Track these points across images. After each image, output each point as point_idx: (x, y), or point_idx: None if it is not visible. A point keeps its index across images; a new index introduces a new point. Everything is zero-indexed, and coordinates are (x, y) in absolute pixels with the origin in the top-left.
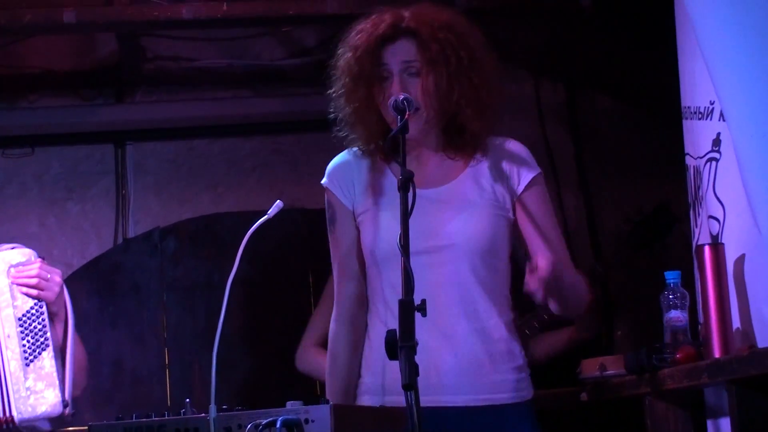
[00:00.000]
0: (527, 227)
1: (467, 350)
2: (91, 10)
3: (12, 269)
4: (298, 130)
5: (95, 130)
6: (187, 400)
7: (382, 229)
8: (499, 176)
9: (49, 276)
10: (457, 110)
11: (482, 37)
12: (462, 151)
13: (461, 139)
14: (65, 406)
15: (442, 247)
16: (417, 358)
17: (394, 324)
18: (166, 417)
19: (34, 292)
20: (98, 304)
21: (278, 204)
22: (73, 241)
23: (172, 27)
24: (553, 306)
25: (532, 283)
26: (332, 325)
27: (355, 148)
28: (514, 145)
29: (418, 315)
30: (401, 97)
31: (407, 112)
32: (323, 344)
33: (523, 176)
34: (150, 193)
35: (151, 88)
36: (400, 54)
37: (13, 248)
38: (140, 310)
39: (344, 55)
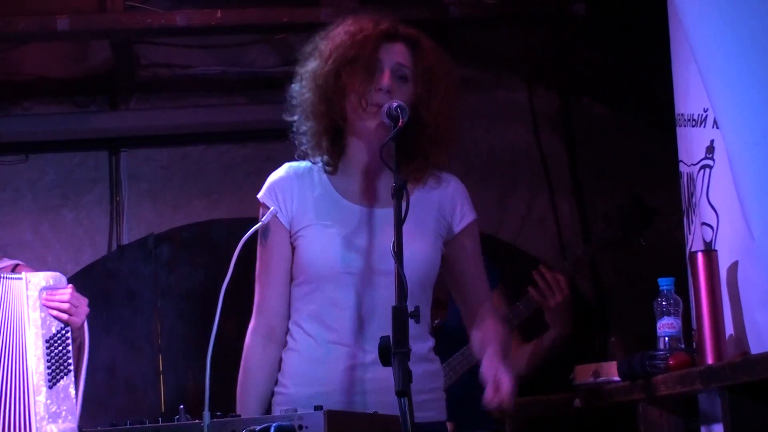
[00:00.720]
0: (460, 266)
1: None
2: (85, 18)
3: (44, 292)
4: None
5: (89, 137)
6: (181, 406)
7: (327, 245)
8: (443, 210)
9: (78, 303)
10: (431, 125)
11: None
12: (414, 173)
13: (415, 160)
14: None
15: (389, 272)
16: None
17: (330, 337)
18: (160, 423)
19: (64, 316)
20: (92, 311)
21: (272, 211)
22: (68, 248)
23: (165, 34)
24: None
25: (492, 402)
26: (249, 338)
27: (296, 163)
28: (459, 185)
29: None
30: (395, 104)
31: (401, 120)
32: None
33: (465, 217)
34: (144, 199)
35: (145, 95)
36: (396, 55)
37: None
38: (134, 316)
39: (333, 39)
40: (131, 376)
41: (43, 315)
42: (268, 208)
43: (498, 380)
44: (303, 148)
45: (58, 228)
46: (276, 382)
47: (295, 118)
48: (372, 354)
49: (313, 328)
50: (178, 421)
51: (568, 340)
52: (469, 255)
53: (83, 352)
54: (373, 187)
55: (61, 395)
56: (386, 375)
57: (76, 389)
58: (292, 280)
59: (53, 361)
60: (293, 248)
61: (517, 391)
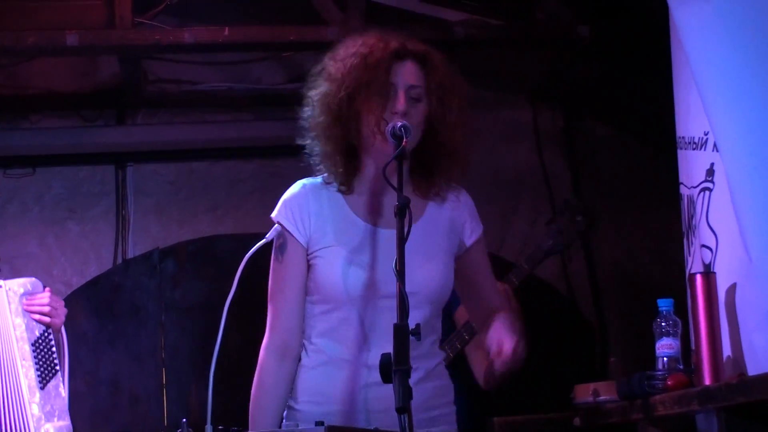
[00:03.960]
0: (472, 279)
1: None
2: (94, 34)
3: (24, 298)
4: (297, 154)
5: (96, 151)
6: (184, 420)
7: (347, 268)
8: (453, 226)
9: (57, 306)
10: (447, 140)
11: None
12: (428, 190)
13: (430, 177)
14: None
15: (408, 294)
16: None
17: (342, 355)
18: None
19: (46, 319)
20: (97, 324)
21: (276, 228)
22: (73, 261)
23: (173, 51)
24: None
25: (498, 365)
26: (263, 355)
27: (310, 180)
28: (467, 199)
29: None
30: (399, 124)
31: (405, 140)
32: None
33: (474, 231)
34: (150, 214)
35: (152, 110)
36: (407, 76)
37: (20, 280)
38: (139, 330)
39: (345, 61)
40: (135, 390)
41: (26, 320)
42: (286, 228)
43: (500, 342)
44: (317, 168)
45: (64, 241)
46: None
47: (308, 141)
48: (375, 375)
49: (326, 345)
50: None
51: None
52: (480, 268)
53: (63, 353)
54: (389, 209)
55: (52, 394)
56: (389, 394)
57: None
58: (306, 296)
59: (41, 363)
60: (309, 266)
61: (523, 352)
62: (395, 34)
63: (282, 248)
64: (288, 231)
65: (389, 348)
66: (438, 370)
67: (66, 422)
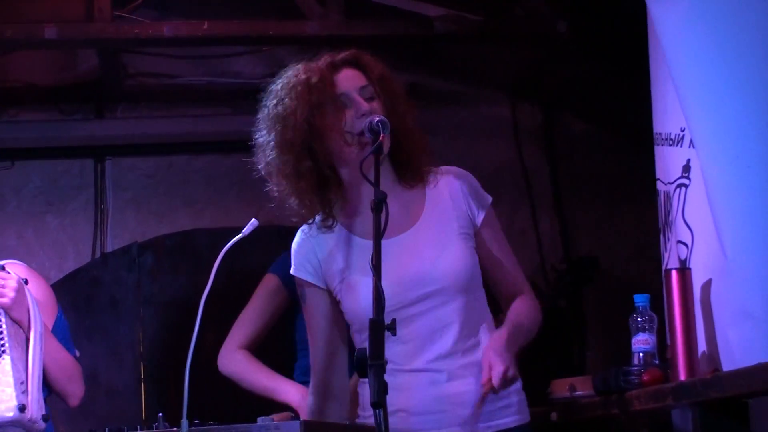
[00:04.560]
0: (489, 258)
1: (471, 384)
2: (73, 27)
3: None
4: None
5: (75, 144)
6: (160, 414)
7: (367, 292)
8: (458, 206)
9: (3, 282)
10: (402, 129)
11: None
12: (416, 175)
13: (412, 161)
14: (21, 410)
15: (430, 294)
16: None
17: (394, 366)
18: (139, 430)
19: None
20: (75, 318)
21: (253, 222)
22: (51, 255)
23: (153, 44)
24: None
25: (485, 385)
26: (310, 399)
27: (304, 227)
28: (462, 175)
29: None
30: (376, 119)
31: (382, 134)
32: (248, 346)
33: (481, 206)
34: (129, 208)
35: (131, 104)
36: (352, 81)
37: None
38: (117, 324)
39: (289, 95)
40: (113, 383)
41: None
42: (302, 279)
43: (491, 365)
44: (293, 213)
45: (43, 234)
46: (357, 416)
47: (275, 189)
48: (443, 373)
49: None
50: (156, 428)
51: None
52: (494, 241)
53: (33, 334)
54: (389, 216)
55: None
56: (464, 389)
57: (26, 371)
58: (350, 327)
59: None
60: (339, 301)
61: (512, 375)
62: (318, 56)
63: (303, 297)
64: (305, 280)
65: (438, 345)
66: None
67: (12, 404)
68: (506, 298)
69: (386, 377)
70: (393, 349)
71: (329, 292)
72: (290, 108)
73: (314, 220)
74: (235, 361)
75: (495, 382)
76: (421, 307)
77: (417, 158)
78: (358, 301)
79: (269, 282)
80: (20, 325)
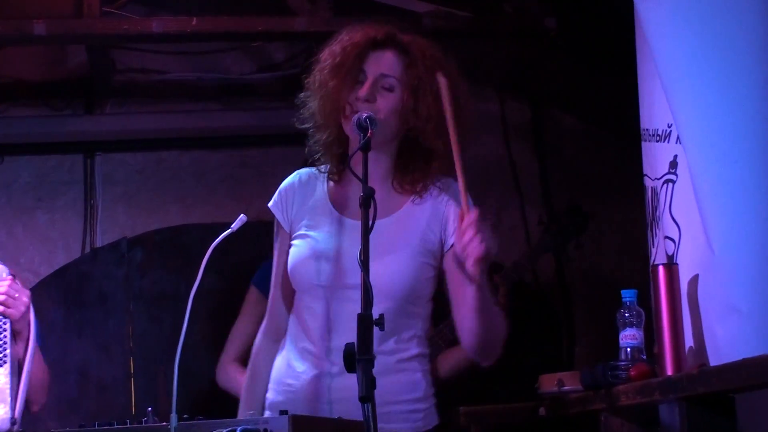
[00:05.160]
0: (456, 280)
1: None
2: (62, 23)
3: None
4: (265, 143)
5: (65, 140)
6: (149, 408)
7: (307, 257)
8: (431, 224)
9: (17, 295)
10: (421, 133)
11: (465, 87)
12: (409, 184)
13: (412, 169)
14: (13, 423)
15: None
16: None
17: (304, 345)
18: (128, 425)
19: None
20: (65, 313)
21: (242, 218)
22: (41, 250)
23: (142, 40)
24: (471, 339)
25: (469, 262)
26: (259, 337)
27: (305, 170)
28: (450, 198)
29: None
30: (364, 115)
31: (369, 131)
32: (241, 359)
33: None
34: (118, 203)
35: (120, 99)
36: (383, 65)
37: None
38: (106, 319)
39: (331, 46)
40: (102, 378)
41: None
42: (276, 216)
43: (462, 233)
44: (316, 156)
45: (32, 230)
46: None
47: (309, 129)
48: (338, 365)
49: (295, 332)
50: (145, 423)
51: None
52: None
53: (28, 345)
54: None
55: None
56: (351, 384)
57: (17, 381)
58: None
59: None
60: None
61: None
62: (391, 24)
63: (276, 235)
64: (276, 219)
65: (352, 338)
66: (401, 366)
67: (5, 416)
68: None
69: (301, 350)
70: (315, 323)
71: (289, 238)
72: (325, 62)
73: (325, 168)
74: (228, 375)
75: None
76: (352, 295)
77: (423, 171)
78: (298, 262)
79: (251, 295)
80: (19, 336)
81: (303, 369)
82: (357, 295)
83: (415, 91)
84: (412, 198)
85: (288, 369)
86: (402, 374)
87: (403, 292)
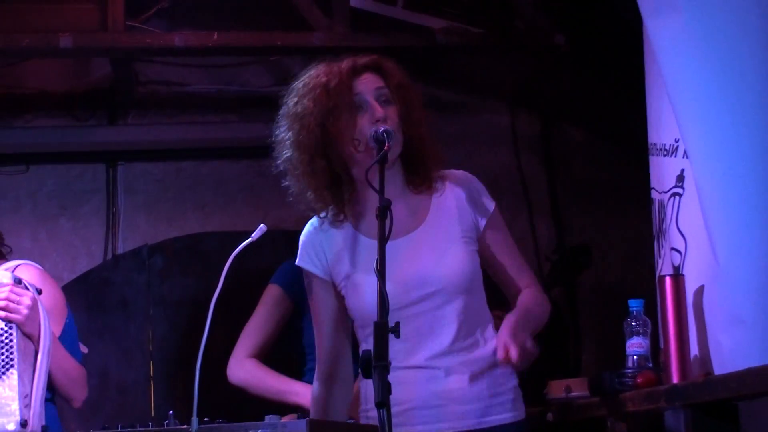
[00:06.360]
0: (495, 259)
1: (467, 381)
2: (87, 36)
3: None
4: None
5: (88, 150)
6: (171, 411)
7: (370, 291)
8: (462, 208)
9: (19, 299)
10: (415, 135)
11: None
12: (425, 182)
13: (422, 168)
14: (23, 425)
15: (431, 294)
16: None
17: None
18: (150, 428)
19: (1, 314)
20: (87, 318)
21: (262, 228)
22: (64, 256)
23: (164, 54)
24: None
25: (502, 361)
26: (315, 385)
27: (313, 220)
28: (470, 179)
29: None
30: (381, 129)
31: (387, 144)
32: (256, 355)
33: (486, 208)
34: (139, 211)
35: (142, 111)
36: (371, 83)
37: None
38: (127, 323)
39: (306, 97)
40: (123, 381)
41: None
42: (308, 270)
43: (506, 346)
44: (306, 207)
45: (56, 236)
46: (360, 412)
47: (292, 184)
48: (440, 369)
49: None
50: (167, 425)
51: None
52: (500, 243)
53: (42, 348)
54: (396, 218)
55: (5, 389)
56: (460, 386)
57: (31, 384)
58: (353, 322)
59: None
60: (342, 296)
61: (530, 349)
62: (342, 57)
63: (309, 288)
64: (311, 272)
65: (434, 346)
66: (494, 359)
67: (16, 418)
68: (514, 295)
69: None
70: (393, 347)
71: (334, 285)
72: (307, 109)
73: (326, 214)
74: (244, 369)
75: (513, 355)
76: (421, 307)
77: (427, 165)
78: (362, 299)
79: (272, 292)
80: (31, 338)
81: (406, 382)
82: (419, 309)
83: (402, 99)
84: (432, 195)
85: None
86: (495, 365)
87: (467, 281)
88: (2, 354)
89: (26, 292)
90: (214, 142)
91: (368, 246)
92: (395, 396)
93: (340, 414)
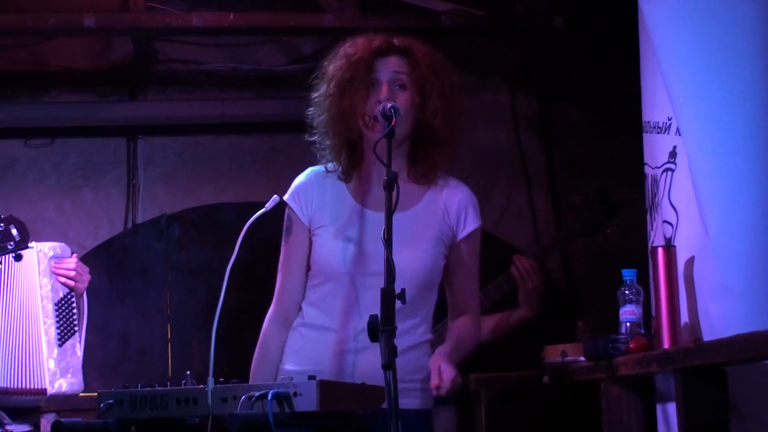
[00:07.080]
0: (455, 269)
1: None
2: (110, 16)
3: (52, 260)
4: (293, 130)
5: (110, 124)
6: (188, 372)
7: (334, 246)
8: (448, 216)
9: (82, 271)
10: (429, 126)
11: (458, 80)
12: (424, 177)
13: (427, 162)
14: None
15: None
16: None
17: (326, 324)
18: (168, 387)
19: (71, 283)
20: (108, 283)
21: (275, 198)
22: (87, 225)
23: (182, 33)
24: None
25: (434, 387)
26: (267, 324)
27: (318, 168)
28: (468, 193)
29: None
30: (389, 105)
31: (394, 119)
32: None
33: (468, 225)
34: (158, 183)
35: (161, 87)
36: (392, 66)
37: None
38: (146, 289)
39: (335, 63)
40: (142, 343)
41: (52, 281)
42: (293, 210)
43: (441, 370)
44: (325, 160)
45: (79, 206)
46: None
47: (316, 135)
48: (362, 343)
49: (314, 314)
50: (185, 385)
51: (534, 322)
52: (465, 261)
53: (82, 316)
54: (382, 193)
55: (69, 353)
56: (373, 359)
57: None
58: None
59: (62, 322)
60: (311, 243)
61: (458, 382)
62: (384, 31)
63: (289, 228)
64: (294, 212)
65: (366, 320)
66: (415, 347)
67: (77, 379)
68: (454, 308)
69: (322, 329)
70: (340, 307)
71: (309, 231)
72: (330, 76)
73: (334, 168)
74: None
75: (444, 386)
76: (375, 281)
77: (434, 159)
78: (324, 251)
79: None
80: (79, 310)
81: (326, 345)
82: (380, 282)
83: (421, 89)
84: (428, 190)
85: (310, 344)
86: (414, 353)
87: (424, 278)
88: (70, 320)
89: (86, 268)
90: (229, 117)
91: (351, 207)
92: (314, 355)
93: (277, 359)
